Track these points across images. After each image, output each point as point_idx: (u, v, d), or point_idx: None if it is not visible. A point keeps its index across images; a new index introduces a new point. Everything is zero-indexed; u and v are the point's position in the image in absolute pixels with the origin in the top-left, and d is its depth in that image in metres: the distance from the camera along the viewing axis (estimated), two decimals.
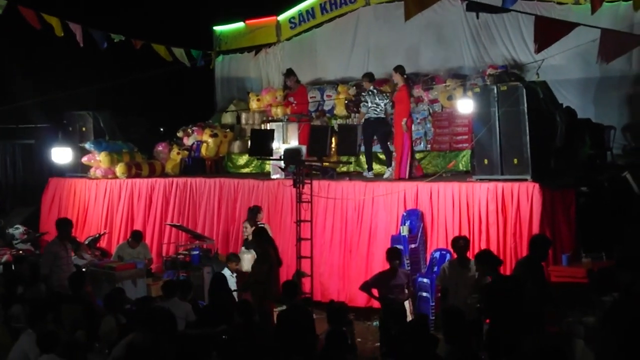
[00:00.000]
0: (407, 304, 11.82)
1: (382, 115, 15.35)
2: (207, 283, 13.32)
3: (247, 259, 13.78)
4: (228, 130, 19.60)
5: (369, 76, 15.90)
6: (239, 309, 9.58)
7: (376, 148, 16.28)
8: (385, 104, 15.31)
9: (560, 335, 9.61)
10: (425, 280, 12.61)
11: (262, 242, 12.03)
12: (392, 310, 9.97)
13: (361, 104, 16.01)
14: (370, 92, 15.47)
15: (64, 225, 12.82)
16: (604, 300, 9.13)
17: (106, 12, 19.69)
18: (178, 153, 18.82)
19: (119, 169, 18.01)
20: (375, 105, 15.31)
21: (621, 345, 7.62)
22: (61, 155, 18.93)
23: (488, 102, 12.83)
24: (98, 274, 13.96)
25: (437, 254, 12.83)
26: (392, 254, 11.32)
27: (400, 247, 12.46)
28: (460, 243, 10.93)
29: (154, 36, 17.68)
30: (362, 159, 16.21)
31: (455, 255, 11.17)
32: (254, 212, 14.46)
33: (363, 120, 15.46)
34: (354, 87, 18.30)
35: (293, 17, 20.71)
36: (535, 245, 9.89)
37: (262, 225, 13.73)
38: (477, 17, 16.30)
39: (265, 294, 11.28)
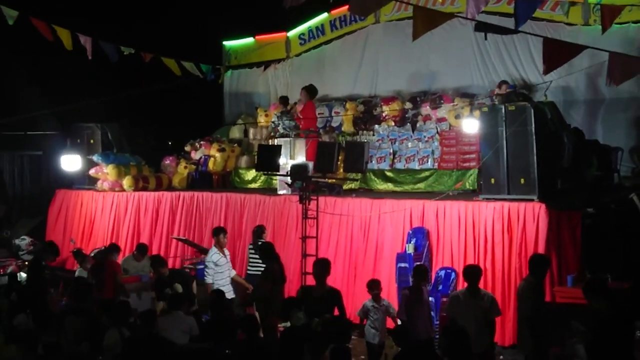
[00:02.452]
0: None
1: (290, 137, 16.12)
2: None
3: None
4: (235, 145, 19.62)
5: (282, 99, 16.66)
6: (244, 324, 9.55)
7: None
8: (292, 126, 16.13)
9: (563, 356, 9.58)
10: (430, 298, 12.53)
11: (267, 257, 12.03)
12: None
13: (271, 126, 16.92)
14: (280, 115, 16.13)
15: (224, 232, 13.69)
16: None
17: (116, 25, 19.76)
18: (185, 167, 18.85)
19: (126, 181, 18.04)
20: (284, 128, 16.16)
21: None
22: (70, 163, 18.95)
23: (496, 122, 12.79)
24: None
25: (442, 273, 12.78)
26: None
27: (405, 264, 12.44)
28: (473, 271, 10.26)
29: (163, 50, 17.75)
30: (369, 175, 16.22)
31: (465, 284, 10.44)
32: (257, 233, 14.29)
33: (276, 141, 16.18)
34: (362, 104, 18.33)
35: (303, 34, 20.81)
36: (536, 265, 9.85)
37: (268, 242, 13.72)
38: (486, 39, 16.29)
39: (268, 310, 11.26)
